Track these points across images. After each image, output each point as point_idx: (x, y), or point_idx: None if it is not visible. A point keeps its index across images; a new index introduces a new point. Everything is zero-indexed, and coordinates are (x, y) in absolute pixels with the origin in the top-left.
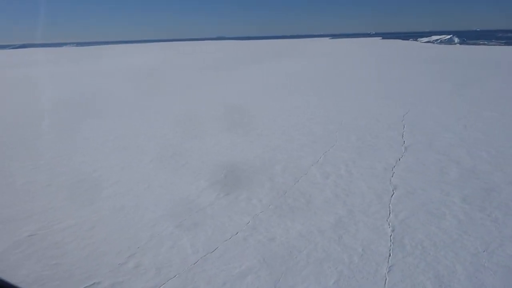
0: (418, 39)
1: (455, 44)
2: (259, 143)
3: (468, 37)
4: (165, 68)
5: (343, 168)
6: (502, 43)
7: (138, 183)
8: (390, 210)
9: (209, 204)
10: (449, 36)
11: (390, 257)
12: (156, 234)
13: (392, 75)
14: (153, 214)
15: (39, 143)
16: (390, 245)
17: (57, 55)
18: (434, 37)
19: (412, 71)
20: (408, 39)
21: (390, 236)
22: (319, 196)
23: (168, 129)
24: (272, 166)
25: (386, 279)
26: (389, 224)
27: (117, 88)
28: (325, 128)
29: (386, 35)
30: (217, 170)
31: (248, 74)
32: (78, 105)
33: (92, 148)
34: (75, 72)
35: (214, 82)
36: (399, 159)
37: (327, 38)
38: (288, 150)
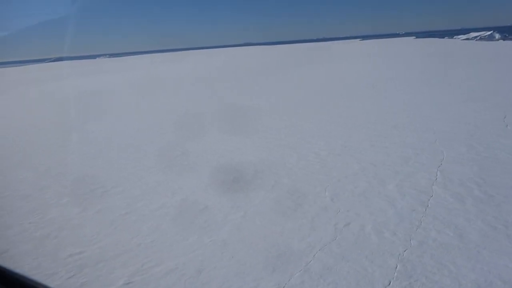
0: (455, 36)
1: (497, 40)
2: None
3: (509, 32)
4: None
5: (475, 188)
6: None
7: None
8: None
9: None
10: (489, 33)
11: None
12: None
13: (456, 74)
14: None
15: None
16: None
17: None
18: (473, 34)
19: (474, 70)
20: (443, 37)
21: None
22: (472, 231)
23: None
24: (385, 185)
25: None
26: None
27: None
28: (420, 136)
29: (417, 34)
30: None
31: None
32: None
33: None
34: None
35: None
36: None
37: (357, 40)
38: (390, 165)
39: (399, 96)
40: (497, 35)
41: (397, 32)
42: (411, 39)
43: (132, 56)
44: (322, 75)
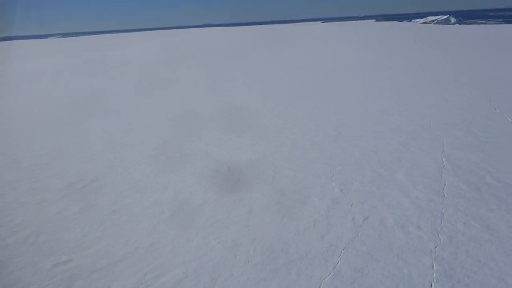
0: (413, 20)
1: (453, 24)
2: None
3: (463, 17)
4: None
5: (487, 175)
6: (500, 21)
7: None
8: None
9: None
10: (445, 17)
11: None
12: None
13: (429, 59)
14: None
15: None
16: None
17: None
18: (430, 18)
19: (445, 54)
20: (402, 21)
21: None
22: (499, 223)
23: None
24: (393, 174)
25: None
26: None
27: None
28: (412, 120)
29: (376, 17)
30: None
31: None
32: None
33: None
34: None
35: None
36: None
37: (319, 22)
38: (392, 152)
39: (381, 80)
40: (452, 19)
41: (356, 15)
42: (372, 22)
43: (87, 37)
44: (298, 58)
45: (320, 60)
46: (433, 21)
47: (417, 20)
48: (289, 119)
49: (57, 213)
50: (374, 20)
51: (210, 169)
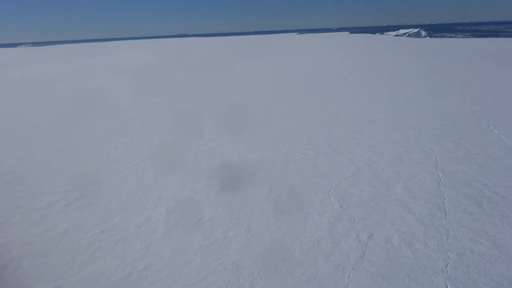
0: (385, 33)
1: (424, 37)
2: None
3: (433, 30)
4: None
5: (484, 189)
6: (468, 35)
7: None
8: None
9: None
10: (416, 30)
11: None
12: None
13: (406, 70)
14: None
15: None
16: None
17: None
18: (402, 31)
19: (420, 65)
20: (374, 33)
21: None
22: (505, 238)
23: None
24: (391, 188)
25: None
26: None
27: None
28: (402, 132)
29: (348, 30)
30: None
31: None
32: None
33: None
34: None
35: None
36: None
37: (294, 34)
38: (386, 165)
39: (363, 90)
40: (423, 32)
41: (330, 27)
42: (347, 33)
43: (58, 46)
44: (282, 68)
45: (304, 69)
46: (405, 33)
47: (389, 32)
48: (279, 132)
49: (40, 234)
50: (348, 32)
51: (203, 184)
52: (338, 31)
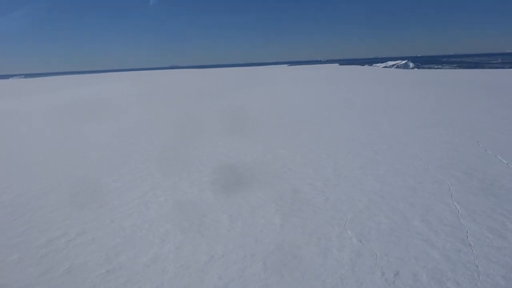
0: (374, 64)
1: (412, 68)
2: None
3: (420, 62)
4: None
5: (506, 221)
6: (454, 66)
7: None
8: None
9: None
10: (404, 62)
11: None
12: None
13: (401, 100)
14: None
15: None
16: None
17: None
18: (390, 63)
19: (413, 96)
20: (363, 65)
21: None
22: None
23: None
24: (409, 221)
25: None
26: None
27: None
28: (409, 163)
29: (337, 62)
30: None
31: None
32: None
33: None
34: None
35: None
36: None
37: (285, 65)
38: (400, 197)
39: (362, 120)
40: (411, 64)
41: (319, 59)
42: (336, 65)
43: (51, 77)
44: (277, 98)
45: (299, 99)
46: (393, 65)
47: (378, 64)
48: (284, 162)
49: (40, 275)
50: (337, 64)
51: (211, 218)
52: (328, 63)
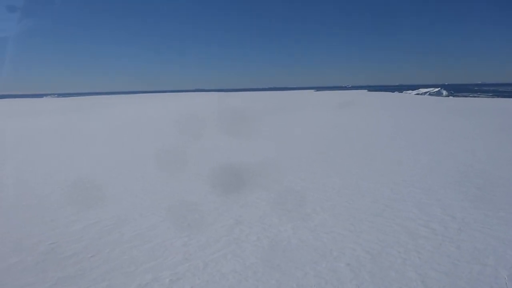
0: (404, 91)
1: (445, 96)
2: None
3: (452, 89)
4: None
5: None
6: (490, 95)
7: None
8: None
9: None
10: (437, 89)
11: None
12: None
13: (447, 129)
14: None
15: None
16: None
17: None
18: (422, 90)
19: (457, 125)
20: (393, 91)
21: None
22: None
23: None
24: None
25: None
26: None
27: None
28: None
29: (363, 88)
30: None
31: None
32: None
33: None
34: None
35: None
36: None
37: (311, 91)
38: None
39: (426, 151)
40: (444, 92)
41: (345, 85)
42: (365, 91)
43: (84, 97)
44: (313, 125)
45: (338, 127)
46: (425, 92)
47: (409, 91)
48: (375, 197)
49: None
50: (366, 90)
51: (324, 267)
52: (353, 89)
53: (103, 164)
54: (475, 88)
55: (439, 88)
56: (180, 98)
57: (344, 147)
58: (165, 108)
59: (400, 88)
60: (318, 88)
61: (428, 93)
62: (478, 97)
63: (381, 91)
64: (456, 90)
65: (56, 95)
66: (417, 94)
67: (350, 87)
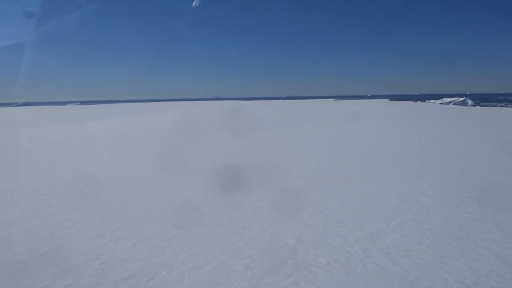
0: (427, 101)
1: (471, 106)
2: None
3: (476, 99)
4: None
5: None
6: None
7: None
8: None
9: None
10: (462, 99)
11: None
12: None
13: (480, 141)
14: None
15: None
16: None
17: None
18: (446, 99)
19: (487, 136)
20: (415, 101)
21: None
22: None
23: None
24: None
25: None
26: None
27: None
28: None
29: (384, 97)
30: None
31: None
32: None
33: None
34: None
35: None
36: None
37: (331, 100)
38: None
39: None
40: (469, 101)
41: (364, 94)
42: (386, 101)
43: (105, 105)
44: (341, 138)
45: (367, 140)
46: (449, 102)
47: (432, 101)
48: (444, 217)
49: None
50: (387, 100)
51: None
52: (372, 98)
53: (151, 170)
54: (500, 98)
55: (464, 98)
56: (198, 105)
57: (388, 159)
58: (191, 115)
59: (421, 98)
60: (337, 97)
61: (452, 103)
62: (506, 107)
63: (402, 100)
64: (480, 99)
65: (78, 103)
66: (441, 103)
67: (369, 96)
